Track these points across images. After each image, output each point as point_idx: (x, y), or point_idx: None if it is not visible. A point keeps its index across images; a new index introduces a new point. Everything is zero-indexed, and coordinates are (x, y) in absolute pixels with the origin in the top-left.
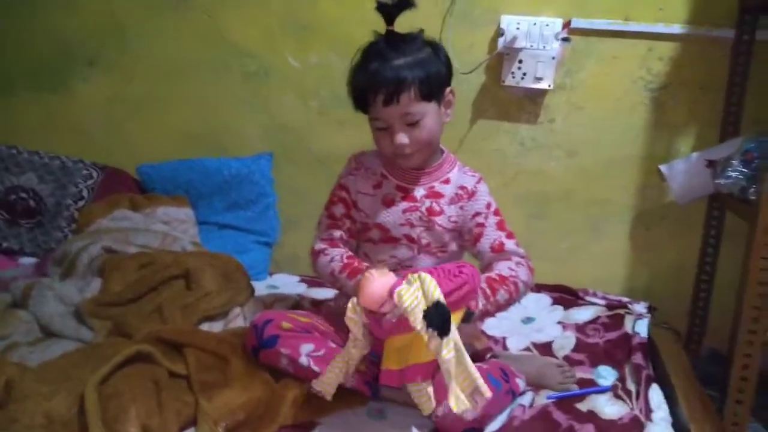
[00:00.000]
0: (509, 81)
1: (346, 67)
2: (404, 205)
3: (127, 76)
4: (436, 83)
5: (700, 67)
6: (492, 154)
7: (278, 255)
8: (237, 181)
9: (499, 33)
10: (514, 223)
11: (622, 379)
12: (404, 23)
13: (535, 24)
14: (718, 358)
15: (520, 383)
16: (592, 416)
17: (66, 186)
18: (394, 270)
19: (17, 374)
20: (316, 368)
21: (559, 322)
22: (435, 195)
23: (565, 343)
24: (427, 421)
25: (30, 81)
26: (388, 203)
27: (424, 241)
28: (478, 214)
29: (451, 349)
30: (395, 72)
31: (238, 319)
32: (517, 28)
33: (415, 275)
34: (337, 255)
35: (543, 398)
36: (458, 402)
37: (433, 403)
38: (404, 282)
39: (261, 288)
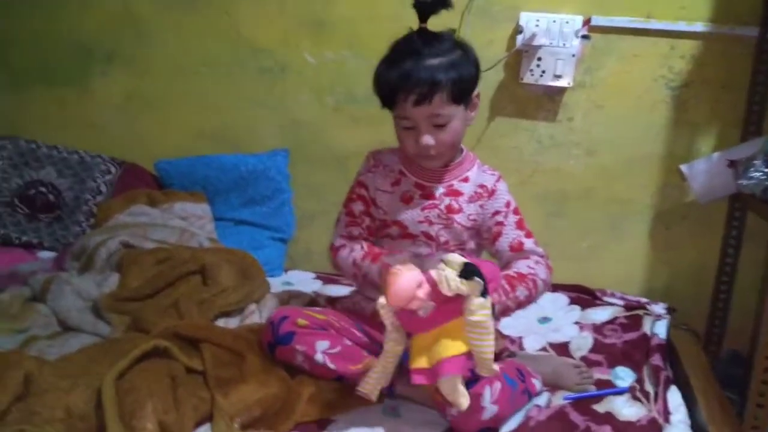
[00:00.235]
0: (528, 78)
1: (361, 65)
2: (423, 202)
3: (144, 73)
4: (466, 86)
5: (723, 65)
6: (510, 152)
7: (293, 251)
8: (253, 177)
9: (518, 30)
10: (532, 222)
11: (640, 380)
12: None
13: (554, 21)
14: (739, 360)
15: (537, 383)
16: (609, 418)
17: (84, 181)
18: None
19: (36, 368)
20: (331, 365)
21: (576, 323)
22: (454, 193)
23: (582, 343)
24: (442, 420)
25: (48, 76)
26: (407, 200)
27: (442, 239)
28: (497, 212)
29: (489, 310)
30: (430, 73)
31: (253, 316)
32: (537, 25)
33: (440, 265)
34: (357, 245)
35: (560, 399)
36: (484, 368)
37: (467, 397)
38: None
39: (276, 284)
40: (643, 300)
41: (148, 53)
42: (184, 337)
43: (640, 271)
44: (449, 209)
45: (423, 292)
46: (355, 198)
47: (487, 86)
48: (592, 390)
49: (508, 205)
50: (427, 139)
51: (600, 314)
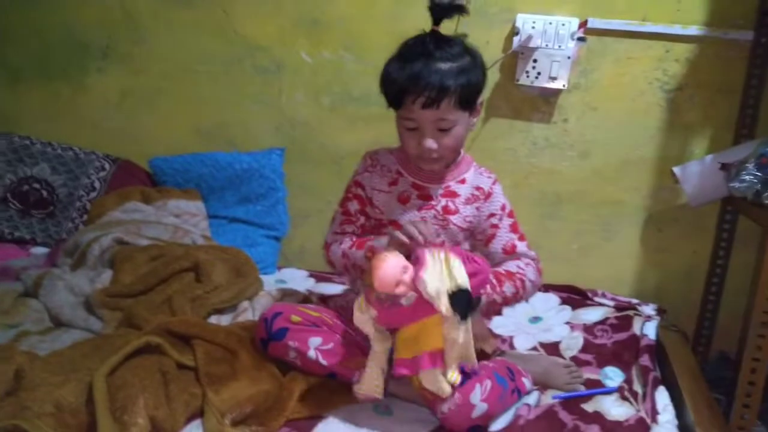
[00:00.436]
0: (523, 80)
1: (357, 65)
2: (420, 203)
3: (140, 69)
4: (474, 93)
5: (717, 69)
6: (504, 153)
7: (287, 249)
8: (248, 175)
9: (515, 31)
10: (525, 222)
11: (628, 380)
12: (415, 19)
13: (550, 23)
14: (727, 361)
15: (527, 382)
16: (597, 417)
17: (78, 177)
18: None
19: (27, 363)
20: (324, 362)
21: (567, 323)
22: (451, 194)
23: (572, 343)
24: (433, 417)
25: (43, 72)
26: (404, 201)
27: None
28: (492, 215)
29: (467, 332)
30: (440, 77)
31: (246, 313)
32: (533, 27)
33: (440, 253)
34: (347, 238)
35: (549, 398)
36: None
37: (448, 385)
38: (427, 256)
39: (269, 282)
40: (634, 301)
41: (144, 50)
42: (177, 334)
43: (631, 272)
44: (446, 210)
45: (408, 275)
46: (352, 197)
47: None
48: (582, 389)
49: (503, 208)
50: (430, 143)
51: (591, 315)
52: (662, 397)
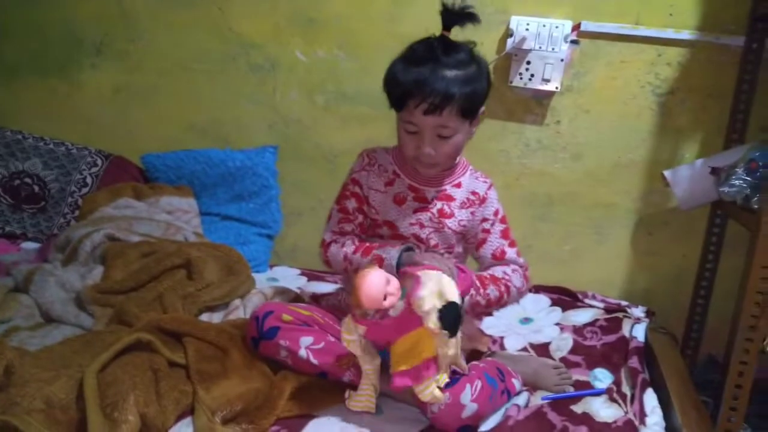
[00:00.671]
0: (516, 82)
1: (352, 64)
2: (415, 204)
3: (134, 66)
4: (477, 102)
5: (709, 73)
6: (497, 154)
7: (280, 248)
8: (241, 173)
9: (509, 33)
10: (517, 224)
11: (617, 382)
12: (412, 20)
13: (544, 25)
14: (715, 364)
15: (516, 383)
16: (586, 418)
17: (70, 173)
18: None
19: (17, 358)
20: (314, 361)
21: (557, 324)
22: (446, 198)
23: (562, 344)
24: (423, 417)
25: (37, 67)
26: (400, 202)
27: (432, 242)
28: (485, 220)
29: (456, 345)
30: (445, 84)
31: (238, 311)
32: (527, 29)
33: (432, 274)
34: (348, 240)
35: (538, 399)
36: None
37: (440, 392)
38: (421, 281)
39: (261, 280)
40: (623, 303)
41: (138, 46)
42: (168, 331)
43: (621, 274)
44: (441, 213)
45: (392, 286)
46: (349, 195)
47: None
48: (571, 391)
49: (496, 213)
50: (429, 150)
51: (581, 316)
52: (650, 399)
